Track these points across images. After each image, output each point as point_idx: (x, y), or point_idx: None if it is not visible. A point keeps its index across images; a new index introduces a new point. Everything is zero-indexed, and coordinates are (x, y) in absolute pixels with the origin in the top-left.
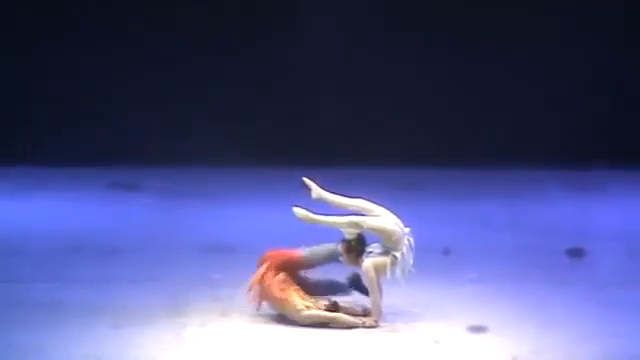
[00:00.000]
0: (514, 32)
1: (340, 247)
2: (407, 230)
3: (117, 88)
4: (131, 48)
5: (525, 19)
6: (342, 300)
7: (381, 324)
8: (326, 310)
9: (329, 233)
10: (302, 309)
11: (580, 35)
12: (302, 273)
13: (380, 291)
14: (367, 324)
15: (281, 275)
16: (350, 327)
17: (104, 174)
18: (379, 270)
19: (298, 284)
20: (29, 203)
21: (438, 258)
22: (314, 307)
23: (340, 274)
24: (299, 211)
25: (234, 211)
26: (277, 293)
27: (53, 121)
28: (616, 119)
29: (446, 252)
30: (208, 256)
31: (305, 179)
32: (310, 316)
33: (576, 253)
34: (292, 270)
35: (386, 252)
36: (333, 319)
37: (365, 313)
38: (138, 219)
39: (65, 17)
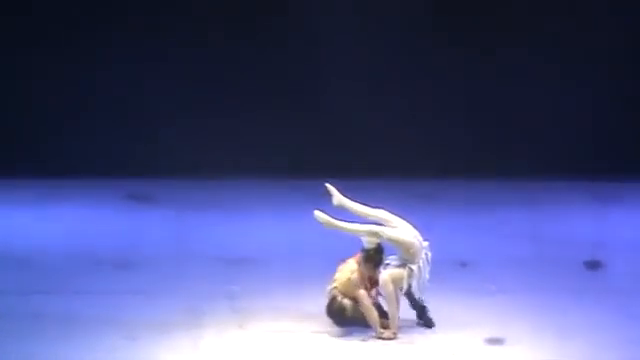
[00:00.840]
0: (532, 42)
1: (358, 256)
2: (425, 244)
3: (128, 99)
4: (143, 56)
5: (544, 26)
6: None
7: (398, 336)
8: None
9: (346, 242)
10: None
11: (598, 44)
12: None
13: (398, 303)
14: (385, 336)
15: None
16: (370, 326)
17: (119, 186)
18: (396, 282)
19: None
20: (45, 214)
21: (455, 269)
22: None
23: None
24: (320, 215)
25: (250, 222)
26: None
27: (67, 132)
28: (634, 129)
29: (463, 263)
30: (224, 267)
31: (328, 185)
32: (358, 292)
33: (594, 263)
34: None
35: (403, 264)
36: (367, 307)
37: (383, 325)
38: (154, 231)
39: (68, 18)
